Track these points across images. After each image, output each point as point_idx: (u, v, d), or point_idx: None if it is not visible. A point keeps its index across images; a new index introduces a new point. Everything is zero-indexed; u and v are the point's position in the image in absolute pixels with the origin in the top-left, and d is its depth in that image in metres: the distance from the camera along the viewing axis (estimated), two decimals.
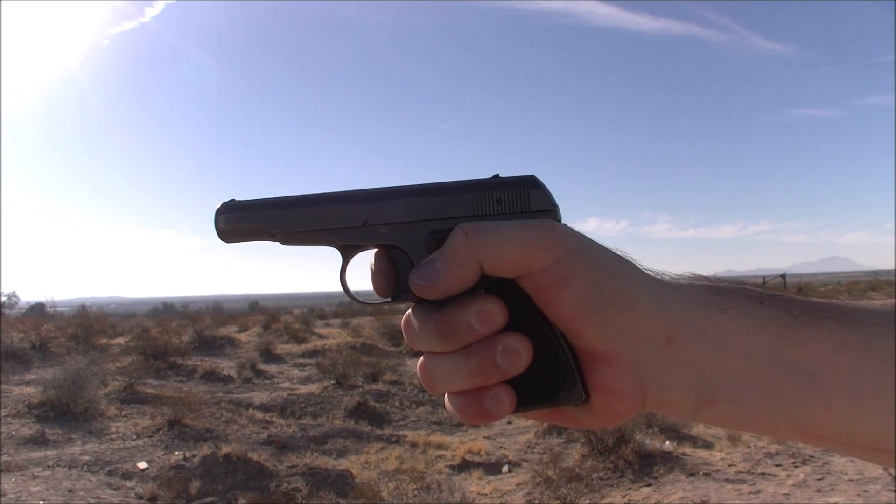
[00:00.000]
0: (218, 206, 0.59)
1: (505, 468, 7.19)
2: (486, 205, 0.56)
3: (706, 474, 5.89)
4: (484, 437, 8.43)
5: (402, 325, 0.56)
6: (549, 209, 0.56)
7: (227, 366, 12.83)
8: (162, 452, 6.96)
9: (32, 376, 10.98)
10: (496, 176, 0.57)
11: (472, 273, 0.52)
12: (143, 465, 6.54)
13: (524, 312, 0.52)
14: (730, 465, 6.11)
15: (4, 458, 6.40)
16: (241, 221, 0.58)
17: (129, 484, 6.10)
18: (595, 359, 0.52)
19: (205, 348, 15.06)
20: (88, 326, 15.80)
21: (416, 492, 6.01)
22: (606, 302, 0.50)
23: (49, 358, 12.53)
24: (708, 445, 7.13)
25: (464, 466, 7.22)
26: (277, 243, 0.59)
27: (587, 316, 0.50)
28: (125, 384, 9.95)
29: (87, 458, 6.67)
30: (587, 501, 5.69)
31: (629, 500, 5.64)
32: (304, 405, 9.83)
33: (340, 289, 0.61)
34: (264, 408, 9.57)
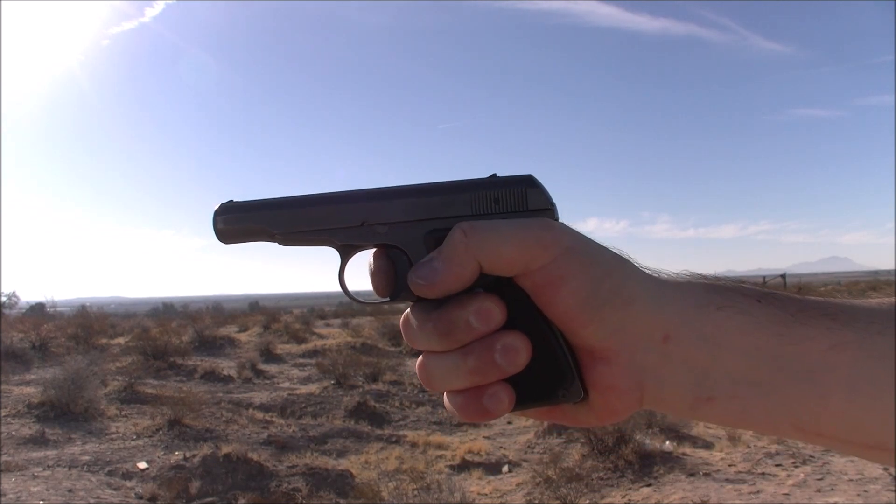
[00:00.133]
0: (216, 207, 0.59)
1: (505, 468, 7.19)
2: (484, 204, 0.56)
3: (706, 474, 5.89)
4: (484, 437, 8.43)
5: (400, 325, 0.57)
6: (546, 208, 0.56)
7: (227, 366, 12.83)
8: (162, 452, 6.96)
9: (32, 376, 10.98)
10: (493, 175, 0.58)
11: (470, 272, 0.52)
12: (143, 465, 6.54)
13: (523, 311, 0.52)
14: (730, 465, 6.12)
15: (4, 458, 6.40)
16: (239, 222, 0.58)
17: (129, 484, 6.10)
18: (593, 357, 0.52)
19: (205, 348, 15.06)
20: (88, 326, 15.80)
21: (416, 492, 6.01)
22: (604, 300, 0.50)
23: (49, 358, 12.53)
24: (708, 445, 7.12)
25: (464, 466, 7.22)
26: (276, 244, 0.59)
27: (585, 314, 0.50)
28: (125, 384, 9.95)
29: (87, 458, 6.67)
30: (587, 501, 5.69)
31: (629, 500, 5.64)
32: (304, 405, 9.83)
33: (340, 289, 0.61)
34: (264, 408, 9.57)
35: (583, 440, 6.99)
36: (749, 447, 6.66)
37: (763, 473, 5.78)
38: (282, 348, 15.58)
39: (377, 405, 9.80)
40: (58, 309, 23.31)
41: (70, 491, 5.56)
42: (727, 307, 0.50)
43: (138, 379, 10.55)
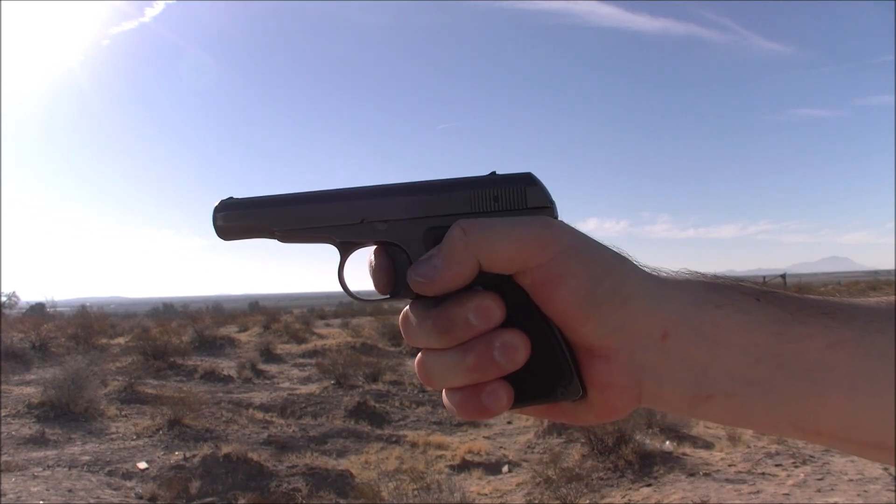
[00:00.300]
0: (216, 203, 0.59)
1: (505, 468, 7.19)
2: (484, 202, 0.56)
3: (706, 474, 5.89)
4: (484, 437, 8.43)
5: (400, 322, 0.57)
6: (545, 206, 0.56)
7: (227, 366, 12.84)
8: (162, 452, 6.96)
9: (32, 376, 10.98)
10: (493, 173, 0.58)
11: (469, 269, 0.52)
12: (143, 465, 6.54)
13: (522, 309, 0.52)
14: (730, 465, 6.11)
15: (4, 458, 6.41)
16: (239, 219, 0.59)
17: (129, 484, 6.10)
18: (592, 354, 0.52)
19: (205, 348, 15.06)
20: (88, 326, 15.80)
21: (416, 492, 6.01)
22: (603, 298, 0.50)
23: (49, 358, 12.53)
24: (708, 445, 7.12)
25: (464, 466, 7.22)
26: (276, 241, 0.59)
27: (584, 312, 0.50)
28: (125, 384, 9.95)
29: (87, 458, 6.67)
30: (587, 501, 5.68)
31: (629, 500, 5.64)
32: (304, 405, 9.83)
33: (340, 289, 0.61)
34: (264, 408, 9.58)
35: (583, 440, 6.99)
36: (749, 447, 6.66)
37: (763, 473, 5.78)
38: (282, 348, 15.58)
39: (377, 405, 9.81)
40: (58, 309, 23.33)
41: (70, 491, 5.56)
42: (726, 305, 0.50)
43: (138, 379, 10.56)
